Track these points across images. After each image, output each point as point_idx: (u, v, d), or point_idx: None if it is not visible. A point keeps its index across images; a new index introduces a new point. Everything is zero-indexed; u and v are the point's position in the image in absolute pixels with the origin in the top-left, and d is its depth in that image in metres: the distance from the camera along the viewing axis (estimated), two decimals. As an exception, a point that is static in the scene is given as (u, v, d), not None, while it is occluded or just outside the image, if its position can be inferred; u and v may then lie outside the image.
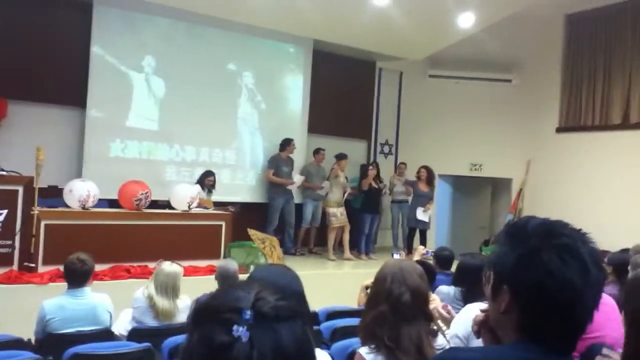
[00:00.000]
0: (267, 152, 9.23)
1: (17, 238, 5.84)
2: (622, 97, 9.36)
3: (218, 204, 7.88)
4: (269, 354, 0.84)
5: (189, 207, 7.01)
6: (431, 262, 5.05)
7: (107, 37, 7.95)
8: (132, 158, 8.15)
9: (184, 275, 5.51)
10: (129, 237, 6.46)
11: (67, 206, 6.39)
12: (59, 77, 7.68)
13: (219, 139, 8.90)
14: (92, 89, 7.83)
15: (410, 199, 9.64)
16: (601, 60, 9.63)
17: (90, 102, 7.82)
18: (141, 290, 4.13)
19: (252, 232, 7.22)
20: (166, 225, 6.81)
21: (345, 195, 8.96)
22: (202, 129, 8.66)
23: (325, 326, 3.86)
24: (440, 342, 2.26)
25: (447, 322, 2.75)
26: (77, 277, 3.83)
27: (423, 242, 8.96)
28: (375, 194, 9.13)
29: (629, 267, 3.91)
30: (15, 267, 5.82)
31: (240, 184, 9.07)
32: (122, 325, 4.19)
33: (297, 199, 9.10)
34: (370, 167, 9.15)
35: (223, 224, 7.23)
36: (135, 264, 6.38)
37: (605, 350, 1.43)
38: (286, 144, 8.90)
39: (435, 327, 2.29)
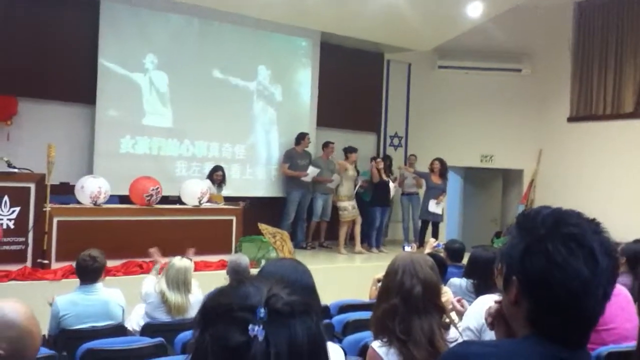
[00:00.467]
0: (279, 146, 9.24)
1: (30, 235, 5.89)
2: (634, 85, 9.26)
3: (228, 200, 7.90)
4: (285, 351, 0.83)
5: (199, 202, 7.03)
6: (442, 254, 5.03)
7: (115, 33, 7.97)
8: (142, 154, 8.18)
9: (196, 270, 5.56)
10: (141, 232, 6.49)
11: (79, 203, 6.43)
12: (68, 75, 7.71)
13: (229, 134, 8.91)
14: (101, 86, 7.86)
15: (420, 191, 9.62)
16: (612, 48, 9.51)
17: (99, 98, 7.85)
18: (152, 285, 4.15)
19: (262, 227, 7.24)
20: (177, 220, 6.83)
21: (357, 187, 8.95)
22: (211, 125, 8.68)
23: (337, 320, 3.86)
24: (453, 334, 2.25)
25: (461, 315, 2.74)
26: (88, 274, 3.86)
27: (435, 235, 8.93)
28: (385, 187, 9.11)
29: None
30: (28, 263, 5.87)
31: (251, 179, 9.09)
32: (135, 321, 4.22)
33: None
34: (378, 160, 9.14)
35: (234, 218, 7.24)
36: (147, 260, 6.40)
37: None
38: (301, 138, 8.93)
39: (447, 320, 2.28)
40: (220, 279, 3.70)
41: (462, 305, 2.78)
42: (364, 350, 2.50)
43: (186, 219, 6.92)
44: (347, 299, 4.58)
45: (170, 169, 8.30)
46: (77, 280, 4.01)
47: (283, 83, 9.43)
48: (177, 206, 7.11)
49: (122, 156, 7.98)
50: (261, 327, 0.83)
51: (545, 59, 10.40)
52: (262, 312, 0.84)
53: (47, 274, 5.80)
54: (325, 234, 9.34)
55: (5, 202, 5.73)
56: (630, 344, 1.57)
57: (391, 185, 9.15)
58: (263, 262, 6.13)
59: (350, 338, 3.06)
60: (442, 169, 9.31)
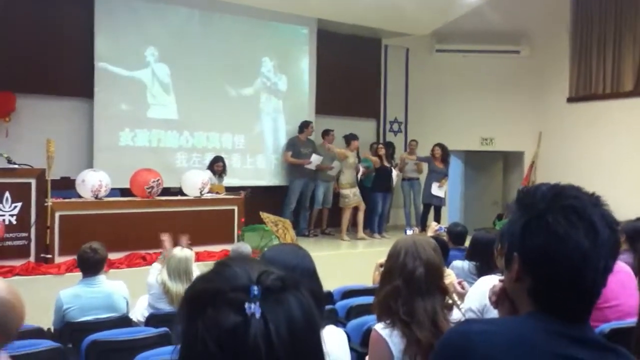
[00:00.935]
0: (280, 135, 9.25)
1: (33, 230, 5.90)
2: (634, 63, 9.21)
3: (230, 189, 7.91)
4: (283, 327, 0.83)
5: (200, 193, 7.03)
6: (445, 238, 5.04)
7: (111, 26, 7.93)
8: (142, 146, 8.18)
9: (198, 260, 5.57)
10: (143, 224, 6.50)
11: (80, 197, 6.44)
12: (66, 69, 7.69)
13: (229, 124, 8.89)
14: (99, 80, 7.84)
15: (421, 176, 9.63)
16: (611, 27, 9.46)
17: (97, 92, 7.83)
18: (154, 277, 4.17)
19: (264, 215, 7.25)
20: (179, 211, 6.85)
21: (360, 174, 8.93)
22: (211, 115, 8.67)
23: (341, 305, 3.88)
24: (456, 316, 2.26)
25: (463, 297, 2.75)
26: (90, 266, 3.88)
27: (437, 219, 8.95)
28: (386, 173, 9.11)
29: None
30: (32, 258, 5.89)
31: (251, 169, 9.09)
32: (139, 312, 4.24)
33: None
34: (379, 146, 9.13)
35: (235, 208, 7.26)
36: (150, 251, 6.42)
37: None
38: (304, 126, 8.92)
39: (450, 301, 2.28)
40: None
41: (463, 287, 2.78)
42: (367, 333, 2.50)
43: (188, 210, 6.93)
44: (350, 285, 4.59)
45: (170, 160, 8.30)
46: (81, 275, 4.03)
47: (284, 72, 9.40)
48: (179, 197, 7.12)
49: (121, 149, 7.98)
50: (257, 304, 0.82)
51: (544, 39, 10.34)
52: (255, 289, 0.83)
53: (50, 268, 5.82)
54: (327, 221, 9.36)
55: (7, 198, 5.74)
56: (633, 320, 1.58)
57: (394, 173, 9.15)
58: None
59: (353, 322, 3.07)
60: (444, 154, 9.31)
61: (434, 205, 9.30)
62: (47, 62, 7.57)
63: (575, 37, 9.98)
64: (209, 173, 7.79)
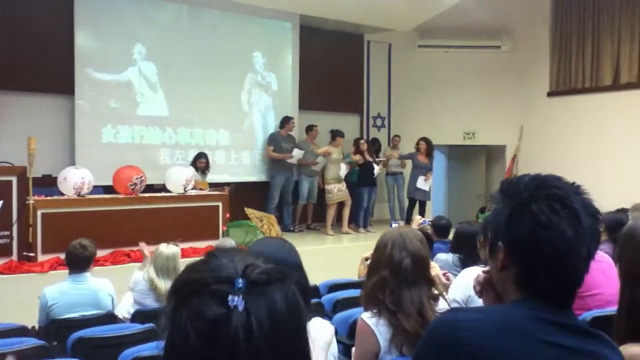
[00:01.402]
0: (263, 130, 9.23)
1: (15, 228, 5.83)
2: (612, 57, 9.35)
3: (214, 185, 7.88)
4: (266, 319, 0.83)
5: (184, 189, 7.01)
6: (429, 231, 5.08)
7: (92, 21, 7.83)
8: (124, 143, 8.10)
9: (183, 256, 5.55)
10: (127, 222, 6.46)
11: (62, 194, 6.38)
12: (45, 65, 7.58)
13: (212, 120, 8.85)
14: (80, 76, 7.75)
15: (405, 171, 9.69)
16: (590, 22, 9.59)
17: (78, 89, 7.75)
18: (140, 273, 4.15)
19: (249, 211, 7.25)
20: (163, 208, 6.81)
21: (344, 169, 8.91)
22: (194, 112, 8.61)
23: (327, 298, 3.90)
24: (442, 306, 2.29)
25: (447, 288, 2.78)
26: (78, 263, 3.85)
27: (422, 213, 9.01)
28: (370, 168, 9.16)
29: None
30: (14, 257, 5.82)
31: (235, 165, 9.07)
32: (124, 309, 4.22)
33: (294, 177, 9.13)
34: (362, 141, 9.17)
35: (220, 204, 7.24)
36: (135, 249, 6.38)
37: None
38: (285, 121, 8.91)
39: (436, 292, 2.31)
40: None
41: (448, 279, 2.82)
42: (354, 326, 2.53)
43: (172, 207, 6.90)
44: (336, 279, 4.61)
45: (153, 157, 8.24)
46: (65, 272, 4.00)
47: (267, 67, 9.37)
48: (163, 194, 7.08)
49: (104, 146, 7.91)
50: (241, 297, 0.82)
51: (524, 35, 10.45)
52: (240, 282, 0.83)
53: (33, 266, 5.76)
54: (312, 216, 9.38)
55: (-12, 196, 5.67)
56: (614, 309, 1.62)
57: (375, 168, 9.19)
58: (251, 246, 6.14)
59: (340, 315, 3.09)
60: (428, 148, 9.37)
61: (419, 200, 9.36)
62: (27, 58, 7.46)
63: (555, 32, 10.10)
64: (192, 169, 7.76)
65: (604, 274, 2.71)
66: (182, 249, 5.47)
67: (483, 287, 1.40)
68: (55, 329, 3.57)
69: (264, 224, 7.13)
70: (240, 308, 0.82)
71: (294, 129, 9.19)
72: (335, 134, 8.91)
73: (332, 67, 9.96)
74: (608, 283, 2.65)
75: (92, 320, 3.61)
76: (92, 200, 6.46)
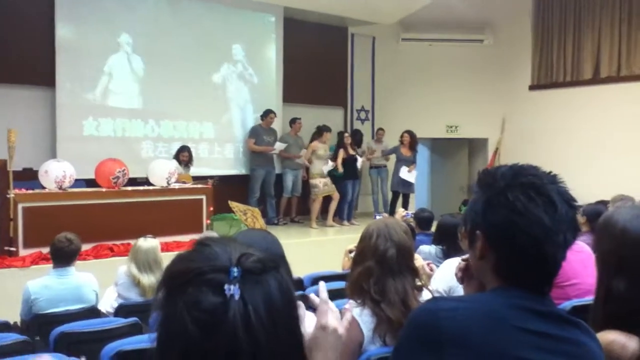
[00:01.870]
0: (246, 123, 9.20)
1: (-5, 223, 5.78)
2: (592, 52, 9.47)
3: (197, 179, 7.85)
4: (262, 308, 0.84)
5: (167, 182, 6.97)
6: (412, 223, 5.11)
7: (73, 11, 7.72)
8: (106, 136, 8.03)
9: (167, 250, 5.54)
10: (110, 215, 6.42)
11: (44, 188, 6.31)
12: (26, 57, 7.47)
13: (195, 112, 8.80)
14: (61, 67, 7.65)
15: (389, 164, 9.73)
16: (571, 17, 9.70)
17: (59, 80, 7.65)
18: (123, 268, 4.13)
19: (233, 204, 7.23)
20: (146, 202, 6.77)
21: (329, 167, 8.86)
22: (177, 104, 8.54)
23: (311, 291, 3.90)
24: (426, 297, 2.32)
25: (429, 278, 2.81)
26: (64, 256, 3.82)
27: (405, 205, 9.06)
28: (353, 161, 9.18)
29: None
30: (-5, 252, 5.77)
31: (219, 158, 9.04)
32: (108, 303, 4.20)
33: (277, 170, 9.12)
34: (346, 135, 9.17)
35: (204, 197, 7.21)
36: (118, 242, 6.36)
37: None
38: (265, 114, 8.88)
39: (420, 283, 2.34)
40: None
41: (432, 269, 2.85)
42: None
43: (155, 200, 6.86)
44: (320, 271, 4.63)
45: (136, 150, 8.18)
46: (47, 267, 3.97)
47: (250, 60, 9.33)
48: (145, 187, 7.03)
49: (85, 139, 7.82)
50: (237, 286, 0.83)
51: (507, 28, 10.52)
52: (235, 271, 0.84)
53: (15, 261, 5.70)
54: (296, 209, 9.38)
55: (-33, 190, 5.60)
56: (592, 298, 1.66)
57: (358, 160, 9.21)
58: (235, 239, 6.12)
59: (324, 307, 3.09)
60: (412, 141, 9.41)
61: (402, 193, 9.41)
62: (6, 49, 7.34)
63: (537, 26, 10.19)
64: (175, 163, 7.72)
65: (583, 264, 2.76)
66: (165, 243, 5.46)
67: (464, 274, 1.42)
68: (37, 324, 3.54)
69: (247, 217, 7.12)
70: (237, 297, 0.82)
71: (278, 122, 9.18)
72: (322, 130, 8.92)
73: (316, 60, 9.95)
74: (587, 273, 2.69)
75: (75, 314, 3.59)
76: (74, 194, 6.40)
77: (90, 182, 6.94)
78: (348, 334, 2.11)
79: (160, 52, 8.37)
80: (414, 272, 2.30)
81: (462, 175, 11.53)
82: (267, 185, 8.91)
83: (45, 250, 4.95)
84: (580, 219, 3.96)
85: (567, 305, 2.58)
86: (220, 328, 0.81)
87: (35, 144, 7.46)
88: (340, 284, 3.40)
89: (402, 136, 9.43)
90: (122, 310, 3.80)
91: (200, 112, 8.86)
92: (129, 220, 6.42)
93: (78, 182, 6.67)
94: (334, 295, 3.50)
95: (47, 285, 3.77)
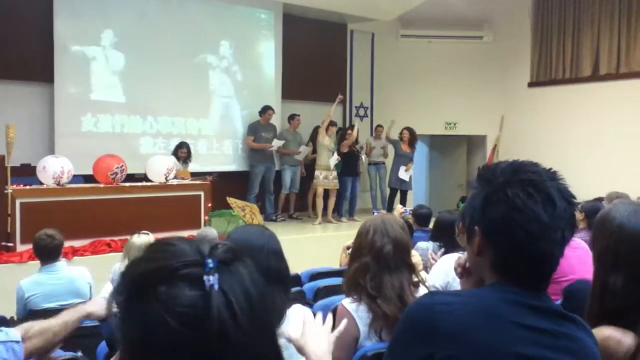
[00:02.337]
0: (244, 120, 9.19)
1: (-7, 218, 5.77)
2: (591, 49, 9.47)
3: (195, 175, 7.84)
4: (242, 297, 0.83)
5: (166, 178, 6.96)
6: (410, 220, 5.11)
7: (72, 8, 7.71)
8: (104, 132, 8.02)
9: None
10: (107, 211, 6.41)
11: (42, 184, 6.30)
12: (25, 53, 7.45)
13: (194, 109, 8.79)
14: (59, 64, 7.63)
15: (387, 160, 9.74)
16: (570, 14, 9.69)
17: (57, 76, 7.63)
18: (118, 264, 4.13)
19: (231, 201, 7.22)
20: (144, 198, 6.76)
21: (334, 159, 8.83)
22: (176, 100, 8.53)
23: (308, 287, 3.91)
24: (422, 292, 2.32)
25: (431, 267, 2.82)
26: (48, 252, 3.81)
27: (404, 202, 9.08)
28: (354, 157, 9.18)
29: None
30: (-8, 247, 5.76)
31: (218, 154, 9.03)
32: (105, 299, 4.20)
33: (276, 166, 9.11)
34: (349, 131, 9.14)
35: (202, 193, 7.21)
36: (115, 238, 6.35)
37: None
38: (263, 111, 8.86)
39: (416, 279, 2.34)
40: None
41: (434, 259, 2.85)
42: (334, 312, 2.54)
43: (153, 196, 6.85)
44: (317, 267, 4.63)
45: (134, 146, 8.16)
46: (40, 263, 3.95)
47: (247, 56, 9.32)
48: (144, 183, 7.03)
49: (84, 135, 7.81)
50: (216, 276, 0.82)
51: (506, 25, 10.51)
52: (210, 262, 0.83)
53: (12, 256, 5.70)
54: (294, 205, 9.38)
55: (-35, 185, 5.59)
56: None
57: (363, 158, 9.24)
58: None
59: (321, 302, 3.10)
60: (412, 138, 9.44)
61: (400, 190, 9.41)
62: (5, 45, 7.32)
63: (536, 23, 10.18)
64: (173, 159, 7.71)
65: (580, 260, 2.76)
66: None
67: (464, 269, 1.42)
68: (34, 319, 3.52)
69: (246, 213, 7.11)
70: (216, 287, 0.81)
71: (276, 118, 9.16)
72: (329, 124, 8.90)
73: (315, 57, 9.93)
74: (584, 269, 2.70)
75: (72, 309, 3.58)
76: (72, 190, 6.39)
77: (88, 178, 6.92)
78: (344, 329, 2.11)
79: (159, 48, 8.34)
80: (411, 267, 2.30)
81: (460, 172, 11.54)
82: (267, 182, 8.90)
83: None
84: (578, 215, 3.96)
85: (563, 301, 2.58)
86: (206, 321, 0.80)
87: (34, 140, 7.44)
88: (337, 280, 3.41)
89: (401, 132, 9.45)
90: (118, 306, 3.79)
91: (199, 108, 8.85)
92: (126, 216, 6.42)
93: (76, 178, 6.66)
94: (331, 291, 3.52)
95: (39, 282, 3.77)
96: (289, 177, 9.04)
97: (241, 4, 9.08)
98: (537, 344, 1.12)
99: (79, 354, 2.52)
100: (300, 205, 9.35)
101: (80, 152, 7.17)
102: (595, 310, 1.56)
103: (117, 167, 6.59)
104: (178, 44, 8.52)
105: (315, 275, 4.34)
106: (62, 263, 3.88)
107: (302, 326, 1.14)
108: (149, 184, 6.99)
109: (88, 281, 3.95)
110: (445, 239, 3.80)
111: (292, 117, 9.20)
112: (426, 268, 3.51)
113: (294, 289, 3.54)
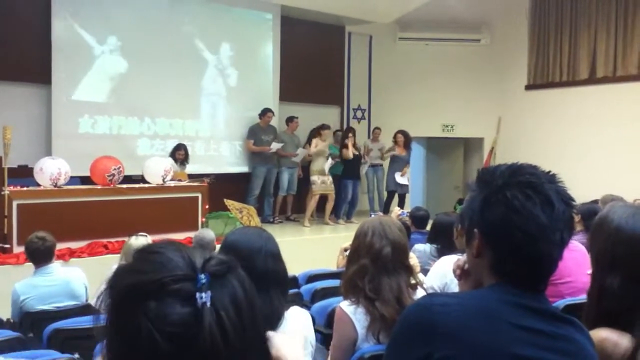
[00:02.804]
0: (242, 122, 9.18)
1: (-11, 220, 5.75)
2: (588, 52, 9.49)
3: (193, 176, 7.84)
4: (231, 310, 0.81)
5: (163, 180, 6.95)
6: (407, 222, 5.11)
7: (68, 9, 7.70)
8: (102, 134, 8.01)
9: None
10: (105, 213, 6.40)
11: (39, 185, 6.29)
12: (22, 54, 7.44)
13: (191, 110, 8.79)
14: (57, 65, 7.62)
15: (385, 163, 9.75)
16: (567, 17, 9.72)
17: (55, 78, 7.62)
18: (115, 266, 4.11)
19: (229, 202, 7.22)
20: (141, 199, 6.75)
21: (329, 163, 8.85)
22: (173, 102, 8.53)
23: (305, 289, 3.90)
24: (420, 294, 2.32)
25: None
26: (41, 255, 3.80)
27: (401, 204, 9.06)
28: (355, 160, 9.18)
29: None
30: (-11, 249, 5.75)
31: (215, 155, 9.02)
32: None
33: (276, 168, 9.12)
34: (349, 136, 9.12)
35: (199, 195, 7.20)
36: (113, 240, 6.34)
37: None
38: (263, 113, 8.87)
39: (414, 281, 2.34)
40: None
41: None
42: (332, 314, 2.54)
43: (151, 198, 6.84)
44: (315, 269, 4.62)
45: (131, 147, 8.15)
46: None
47: (246, 59, 9.32)
48: (141, 185, 7.02)
49: (81, 136, 7.80)
50: (208, 293, 0.79)
51: (503, 28, 10.53)
52: (203, 278, 0.80)
53: (9, 258, 5.69)
54: (292, 207, 9.38)
55: (-39, 186, 5.58)
56: (585, 297, 1.67)
57: (365, 165, 9.26)
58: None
59: (318, 304, 3.10)
60: (406, 140, 9.41)
61: (398, 194, 9.41)
62: (3, 46, 7.31)
63: (533, 26, 10.20)
64: (170, 160, 7.70)
65: (577, 262, 2.76)
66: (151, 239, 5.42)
67: (462, 271, 1.42)
68: (30, 321, 3.52)
69: (243, 215, 7.11)
70: (208, 304, 0.79)
71: (274, 120, 9.16)
72: (320, 128, 8.91)
73: (313, 59, 9.94)
74: (581, 271, 2.70)
75: (68, 311, 3.57)
76: (69, 191, 6.38)
77: (86, 180, 6.91)
78: (342, 332, 2.11)
79: (156, 50, 8.34)
80: (409, 270, 2.30)
81: (457, 174, 11.55)
82: (267, 184, 8.92)
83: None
84: (575, 217, 3.96)
85: (560, 303, 2.59)
86: (196, 339, 0.77)
87: (31, 141, 7.43)
88: (334, 282, 3.41)
89: (395, 136, 9.42)
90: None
91: (197, 110, 8.85)
92: (123, 218, 6.41)
93: (73, 180, 6.64)
94: (328, 293, 3.51)
95: (33, 284, 3.76)
96: (286, 179, 9.05)
97: (239, 6, 9.09)
98: (534, 345, 1.12)
99: (76, 355, 2.51)
100: (297, 208, 9.35)
101: (77, 154, 7.16)
102: (593, 312, 1.57)
103: (115, 169, 6.58)
104: (176, 46, 8.52)
105: (313, 277, 4.33)
106: (55, 265, 3.87)
107: (272, 339, 1.13)
108: (146, 185, 6.98)
109: (83, 282, 3.94)
110: (443, 241, 3.81)
111: (290, 120, 9.20)
112: (424, 270, 3.51)
113: (291, 291, 3.54)
